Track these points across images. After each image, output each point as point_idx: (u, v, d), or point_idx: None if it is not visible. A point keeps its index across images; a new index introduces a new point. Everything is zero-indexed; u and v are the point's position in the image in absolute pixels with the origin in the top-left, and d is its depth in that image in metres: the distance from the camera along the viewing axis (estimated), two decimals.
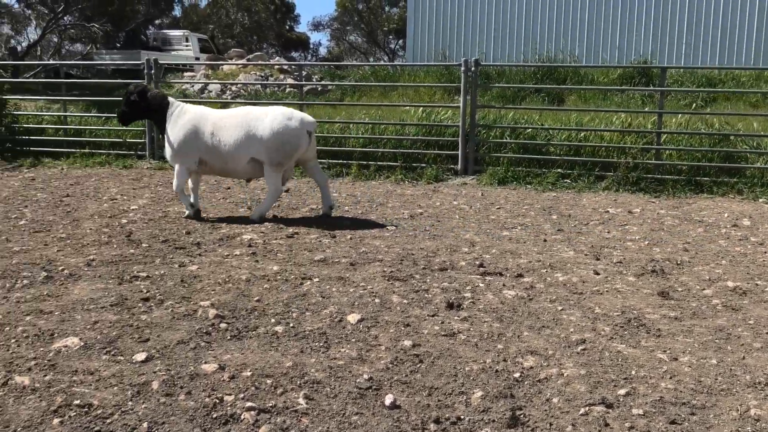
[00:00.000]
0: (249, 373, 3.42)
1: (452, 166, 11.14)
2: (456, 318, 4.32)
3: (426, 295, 4.77)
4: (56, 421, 2.92)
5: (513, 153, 11.11)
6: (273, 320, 4.21)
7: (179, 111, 7.23)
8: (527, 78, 17.92)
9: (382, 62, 45.85)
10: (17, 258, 5.55)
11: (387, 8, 53.85)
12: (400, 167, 11.08)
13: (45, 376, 3.35)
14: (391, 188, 9.97)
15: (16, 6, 46.85)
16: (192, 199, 7.45)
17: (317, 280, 5.09)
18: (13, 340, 3.80)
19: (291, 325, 4.13)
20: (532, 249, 6.25)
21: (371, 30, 54.44)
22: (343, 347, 3.80)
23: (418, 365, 3.58)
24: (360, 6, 53.72)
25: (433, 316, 4.35)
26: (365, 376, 3.41)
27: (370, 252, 5.99)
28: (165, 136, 7.30)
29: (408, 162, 11.25)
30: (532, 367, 3.58)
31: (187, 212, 7.40)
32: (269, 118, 6.99)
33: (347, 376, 3.43)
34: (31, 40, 46.14)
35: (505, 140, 11.37)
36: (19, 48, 43.70)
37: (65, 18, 43.42)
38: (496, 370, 3.53)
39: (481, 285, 5.04)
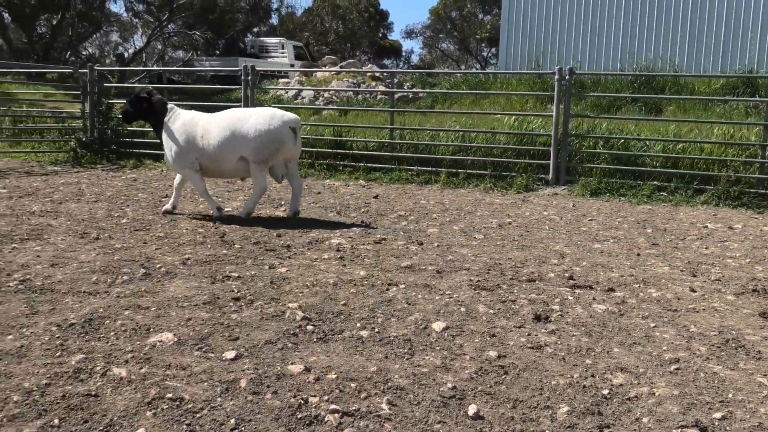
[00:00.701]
0: (334, 376, 3.45)
1: (543, 175, 10.97)
2: (543, 330, 4.24)
3: (513, 306, 4.71)
4: (149, 413, 3.03)
5: (607, 164, 10.85)
6: (358, 324, 4.24)
7: (175, 116, 7.57)
8: (624, 87, 17.48)
9: (473, 70, 45.68)
10: (118, 255, 5.80)
11: (480, 16, 53.61)
12: (490, 176, 11.00)
13: (140, 369, 3.48)
14: (480, 197, 9.91)
15: (125, 15, 49.13)
16: (174, 200, 7.81)
17: (403, 286, 5.10)
18: (112, 333, 3.97)
19: (376, 330, 4.15)
20: (624, 263, 6.07)
21: (464, 38, 54.29)
22: (427, 355, 3.79)
23: (503, 377, 3.54)
24: (453, 14, 53.70)
25: (519, 327, 4.29)
26: (449, 385, 3.40)
27: (457, 260, 5.96)
28: (162, 140, 7.62)
29: (498, 171, 11.15)
30: (621, 385, 3.48)
31: (214, 213, 7.60)
32: (254, 118, 7.27)
33: (431, 383, 3.42)
34: (137, 47, 48.29)
35: (598, 150, 11.12)
36: (125, 55, 45.77)
37: (169, 26, 45.24)
38: (584, 386, 3.45)
39: (570, 298, 4.94)
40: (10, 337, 3.85)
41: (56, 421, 2.93)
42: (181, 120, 7.52)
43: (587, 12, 21.59)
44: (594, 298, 4.95)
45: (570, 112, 10.97)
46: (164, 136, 7.57)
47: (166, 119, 7.57)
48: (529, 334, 4.15)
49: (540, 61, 21.60)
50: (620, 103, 16.51)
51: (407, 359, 3.72)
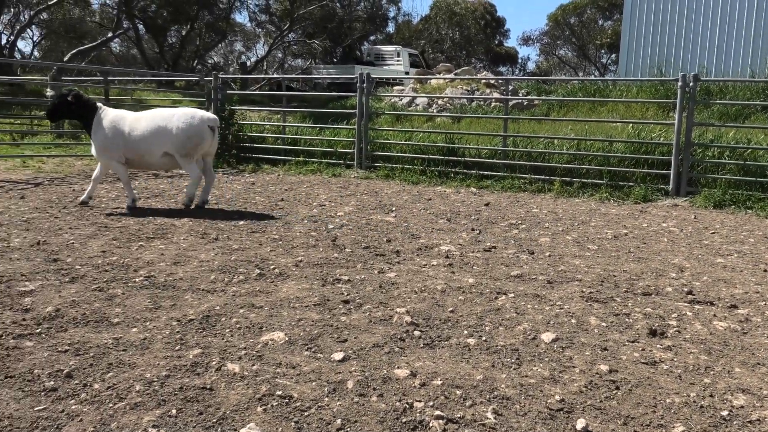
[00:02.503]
0: (439, 382, 3.45)
1: (662, 186, 10.55)
2: (658, 346, 4.07)
3: (627, 320, 4.55)
4: (260, 408, 3.13)
5: (732, 174, 10.31)
6: (466, 332, 4.22)
7: (104, 114, 8.12)
8: (754, 95, 16.55)
9: (592, 77, 44.53)
10: (235, 255, 6.02)
11: (600, 22, 52.23)
12: (606, 185, 10.69)
13: (253, 365, 3.60)
14: (595, 206, 9.64)
15: (249, 25, 51.06)
16: (90, 191, 8.43)
17: (512, 295, 5.03)
18: (227, 330, 4.12)
19: (483, 338, 4.12)
20: (749, 279, 5.75)
21: (582, 44, 53.06)
22: (535, 365, 3.72)
23: (614, 392, 3.42)
24: (572, 20, 52.58)
25: (633, 342, 4.14)
26: (557, 398, 3.32)
27: (569, 271, 5.82)
28: (92, 135, 8.16)
29: (614, 180, 10.82)
30: (742, 407, 3.29)
31: (128, 203, 8.29)
32: (176, 117, 8.03)
33: (538, 395, 3.36)
34: (259, 56, 50.02)
35: (723, 161, 10.58)
36: (248, 63, 47.50)
37: (290, 35, 46.60)
38: (701, 406, 3.29)
39: (688, 313, 4.72)
40: (134, 329, 4.08)
41: (174, 411, 3.07)
42: (110, 118, 8.09)
43: (714, 16, 20.59)
44: (715, 315, 4.71)
45: (693, 120, 10.51)
46: (93, 131, 8.13)
47: (96, 117, 8.13)
48: (643, 349, 4.00)
49: (663, 67, 20.79)
50: (749, 112, 15.65)
51: (514, 369, 3.67)
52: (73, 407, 3.08)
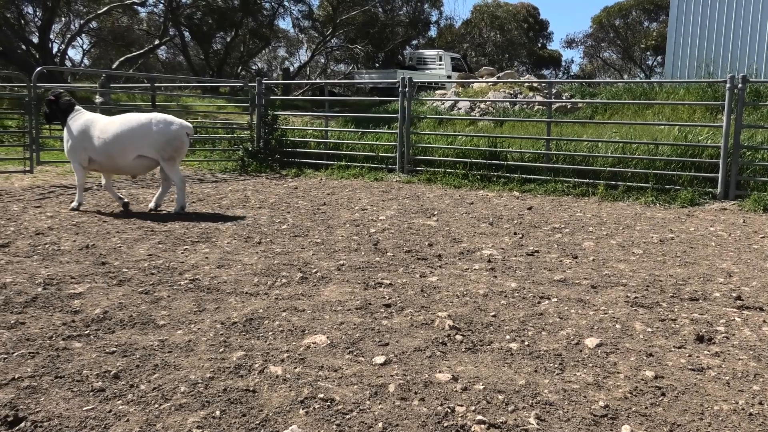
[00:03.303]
0: (481, 387, 3.43)
1: (710, 189, 10.34)
2: (706, 352, 3.99)
3: (673, 325, 4.46)
4: (302, 411, 3.15)
5: None
6: (508, 336, 4.19)
7: (77, 116, 8.35)
8: None
9: (637, 79, 43.88)
10: (278, 259, 6.07)
11: (646, 23, 51.47)
12: (652, 188, 10.52)
13: (295, 368, 3.63)
14: (641, 210, 9.49)
15: (292, 31, 51.56)
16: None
17: (555, 300, 4.98)
18: (270, 333, 4.16)
19: (526, 343, 4.08)
20: None
21: (627, 46, 52.36)
22: (578, 371, 3.68)
23: (660, 398, 3.36)
24: (617, 22, 51.91)
25: (679, 347, 4.06)
26: (601, 403, 3.27)
27: (614, 275, 5.74)
28: (64, 136, 8.43)
29: (660, 183, 10.64)
30: None
31: (74, 205, 8.48)
32: (154, 121, 8.25)
33: (581, 401, 3.32)
34: (302, 62, 50.46)
35: None
36: (291, 69, 47.95)
37: (332, 41, 46.92)
38: (750, 414, 3.21)
39: (737, 319, 4.61)
40: (179, 332, 4.14)
41: (218, 412, 3.11)
42: (81, 120, 8.31)
43: (764, 15, 20.10)
44: (764, 321, 4.59)
45: (742, 122, 10.28)
46: (65, 132, 8.39)
47: (69, 118, 8.35)
48: (690, 355, 3.92)
49: (710, 68, 20.38)
50: None
51: (557, 374, 3.63)
52: (120, 407, 3.14)
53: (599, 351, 3.97)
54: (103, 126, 8.28)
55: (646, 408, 3.26)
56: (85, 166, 8.41)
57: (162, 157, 8.27)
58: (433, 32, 53.56)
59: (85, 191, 9.18)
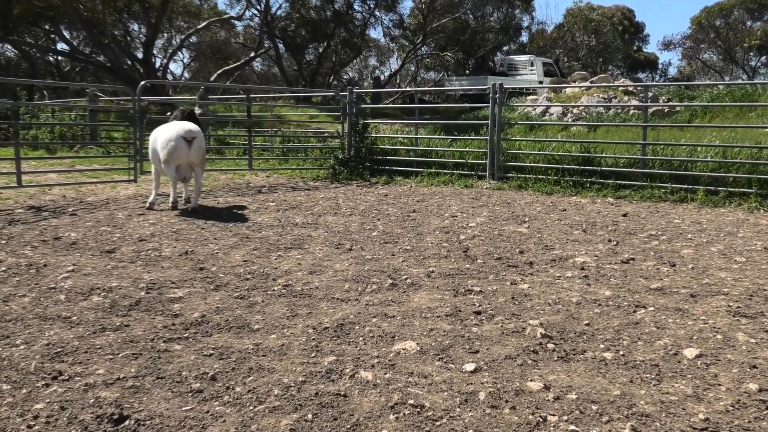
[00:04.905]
0: (574, 396, 3.36)
1: None
2: None
3: None
4: (392, 416, 3.16)
5: None
6: (602, 346, 4.08)
7: None
8: None
9: (739, 80, 42.04)
10: (369, 265, 6.13)
11: (749, 23, 49.27)
12: (755, 194, 10.03)
13: (385, 374, 3.65)
14: (743, 217, 9.07)
15: (383, 41, 52.08)
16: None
17: (652, 309, 4.82)
18: (360, 339, 4.20)
19: (621, 352, 3.97)
20: None
21: (729, 47, 50.24)
22: (677, 382, 3.55)
23: (765, 412, 3.20)
24: (717, 22, 49.92)
25: None
26: (701, 416, 3.15)
27: (714, 284, 5.51)
28: None
29: (765, 189, 10.14)
30: None
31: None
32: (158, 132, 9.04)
33: (680, 413, 3.20)
34: (392, 70, 50.85)
35: None
36: (381, 77, 48.40)
37: (422, 48, 47.09)
38: None
39: None
40: (273, 336, 4.24)
41: (309, 416, 3.16)
42: None
43: None
44: None
45: None
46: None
47: None
48: None
49: None
50: None
51: (654, 385, 3.51)
52: (217, 408, 3.24)
53: (699, 362, 3.82)
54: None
55: (750, 422, 3.11)
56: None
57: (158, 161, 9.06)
58: (524, 38, 53.00)
59: (184, 200, 9.57)
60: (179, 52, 48.05)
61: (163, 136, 8.85)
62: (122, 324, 4.43)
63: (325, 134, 17.09)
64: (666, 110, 19.14)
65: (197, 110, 15.78)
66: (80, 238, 7.15)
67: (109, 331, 4.29)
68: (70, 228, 7.73)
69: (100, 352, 3.92)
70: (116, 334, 4.22)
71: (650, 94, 20.26)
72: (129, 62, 34.75)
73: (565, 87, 22.18)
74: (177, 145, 8.84)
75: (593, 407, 3.25)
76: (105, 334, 4.22)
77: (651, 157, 11.64)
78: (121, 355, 3.89)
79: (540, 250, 6.82)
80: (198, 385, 3.48)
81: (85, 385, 3.46)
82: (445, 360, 3.84)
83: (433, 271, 5.90)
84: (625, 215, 9.05)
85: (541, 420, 3.12)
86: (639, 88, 21.78)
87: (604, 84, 19.56)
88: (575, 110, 20.44)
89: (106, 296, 5.03)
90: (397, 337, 4.21)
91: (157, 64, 39.76)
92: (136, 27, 41.28)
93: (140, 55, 34.91)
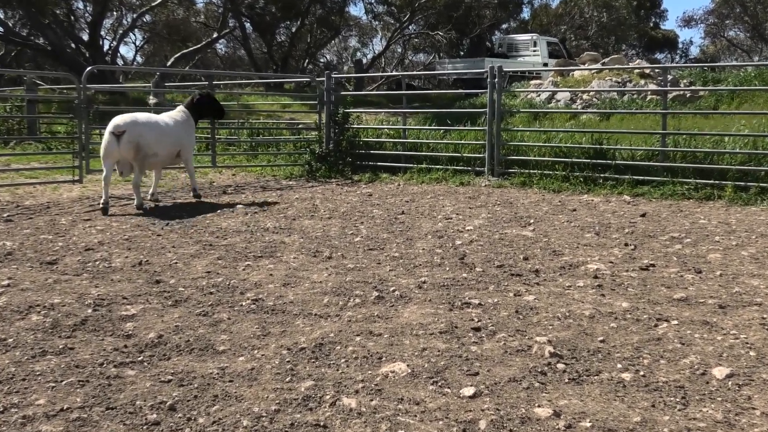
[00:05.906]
0: (588, 424, 3.35)
1: None
2: None
3: None
4: None
5: None
6: (619, 365, 4.09)
7: None
8: None
9: None
10: (351, 276, 6.11)
11: None
12: None
13: (371, 400, 3.63)
14: None
15: (365, 18, 52.13)
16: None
17: (676, 322, 4.84)
18: (342, 360, 4.18)
19: (641, 373, 3.97)
20: None
21: (757, 23, 50.65)
22: (705, 406, 3.55)
23: None
24: None
25: None
26: None
27: (746, 293, 5.54)
28: None
29: None
30: None
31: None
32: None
33: None
34: (376, 52, 50.91)
35: None
36: (364, 60, 48.42)
37: (410, 27, 47.13)
38: None
39: None
40: (241, 358, 4.21)
41: None
42: None
43: None
44: None
45: None
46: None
47: None
48: None
49: None
50: None
51: (679, 410, 3.52)
52: None
53: (730, 383, 3.83)
54: None
55: None
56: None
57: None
58: (526, 14, 53.19)
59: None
60: (131, 33, 47.89)
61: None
62: (66, 346, 4.38)
63: (300, 126, 17.06)
64: (688, 95, 19.28)
65: (151, 99, 15.71)
66: (17, 248, 7.09)
67: (50, 354, 4.25)
68: (4, 236, 7.67)
69: (41, 379, 3.88)
70: (59, 359, 4.18)
71: (670, 77, 20.40)
72: (73, 45, 34.58)
73: (574, 70, 22.29)
74: (107, 140, 9.15)
75: None
76: (46, 359, 4.18)
77: (672, 149, 11.70)
78: (64, 382, 3.84)
79: (547, 257, 6.83)
80: (154, 416, 3.45)
81: (23, 417, 3.42)
82: (440, 384, 3.83)
83: (425, 282, 5.89)
84: (643, 215, 9.09)
85: None
86: (657, 70, 21.93)
87: (617, 66, 19.68)
88: (585, 96, 20.55)
89: (47, 314, 4.99)
90: (384, 358, 4.19)
91: (106, 47, 39.61)
92: (81, 5, 41.12)
93: (86, 37, 34.79)
